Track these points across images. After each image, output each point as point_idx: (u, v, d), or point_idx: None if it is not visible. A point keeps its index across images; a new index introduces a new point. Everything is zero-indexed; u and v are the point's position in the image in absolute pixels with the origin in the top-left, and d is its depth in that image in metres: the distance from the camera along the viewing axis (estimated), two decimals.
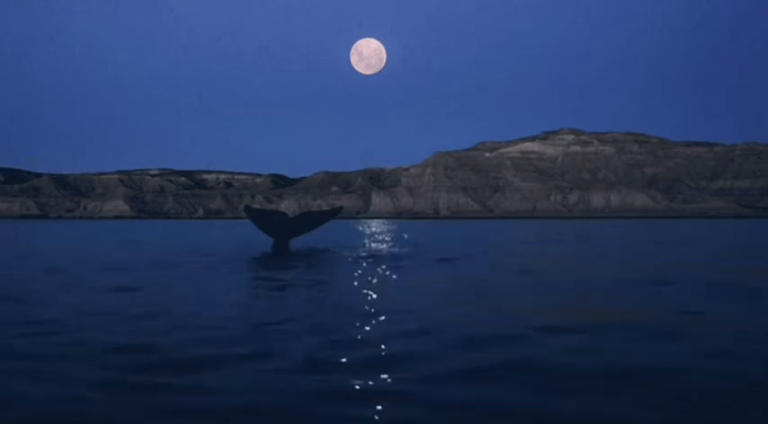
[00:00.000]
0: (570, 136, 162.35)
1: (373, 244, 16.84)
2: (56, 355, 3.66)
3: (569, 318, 4.86)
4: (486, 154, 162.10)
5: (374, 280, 7.71)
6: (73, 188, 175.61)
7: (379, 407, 2.75)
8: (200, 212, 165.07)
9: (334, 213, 15.72)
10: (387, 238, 21.93)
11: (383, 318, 4.84)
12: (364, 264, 10.07)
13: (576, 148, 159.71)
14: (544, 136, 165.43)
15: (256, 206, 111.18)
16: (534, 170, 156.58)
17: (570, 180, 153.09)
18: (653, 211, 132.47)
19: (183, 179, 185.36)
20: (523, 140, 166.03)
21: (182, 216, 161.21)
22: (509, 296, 6.48)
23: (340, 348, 3.79)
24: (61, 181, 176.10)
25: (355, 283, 7.40)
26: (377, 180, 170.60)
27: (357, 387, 3.02)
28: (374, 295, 6.19)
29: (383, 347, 3.82)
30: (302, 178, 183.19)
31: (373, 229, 36.65)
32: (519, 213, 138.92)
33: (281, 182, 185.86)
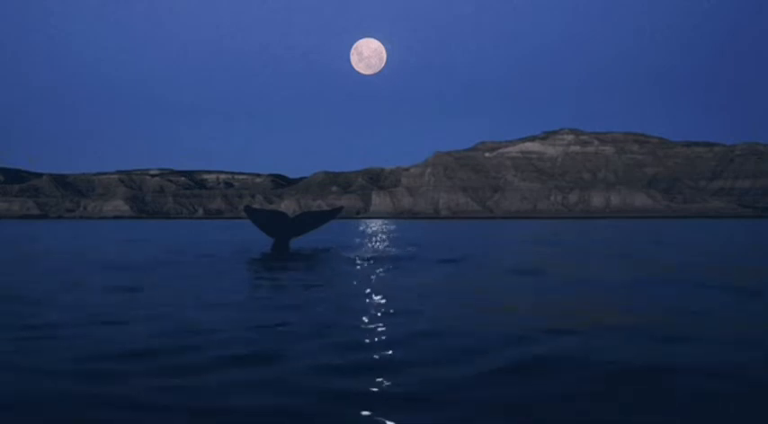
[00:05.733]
0: (570, 136, 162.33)
1: (374, 245, 16.82)
2: (56, 356, 3.64)
3: (573, 319, 4.84)
4: (486, 154, 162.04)
5: (375, 281, 7.68)
6: (73, 188, 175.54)
7: (381, 408, 2.74)
8: (200, 212, 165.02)
9: (335, 213, 15.71)
10: (387, 238, 21.91)
11: (386, 319, 4.82)
12: (365, 265, 10.05)
13: (576, 148, 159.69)
14: (544, 137, 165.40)
15: (256, 206, 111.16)
16: (534, 170, 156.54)
17: (570, 180, 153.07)
18: (653, 211, 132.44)
19: (183, 179, 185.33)
20: (523, 140, 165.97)
21: (182, 216, 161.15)
22: (512, 297, 6.46)
23: (343, 350, 3.78)
24: (61, 181, 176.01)
25: (356, 284, 7.37)
26: (377, 180, 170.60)
27: (360, 389, 3.00)
28: (376, 297, 6.16)
29: (386, 349, 3.80)
30: (302, 178, 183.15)
31: (373, 229, 36.63)
32: (519, 213, 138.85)
33: (280, 182, 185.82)
